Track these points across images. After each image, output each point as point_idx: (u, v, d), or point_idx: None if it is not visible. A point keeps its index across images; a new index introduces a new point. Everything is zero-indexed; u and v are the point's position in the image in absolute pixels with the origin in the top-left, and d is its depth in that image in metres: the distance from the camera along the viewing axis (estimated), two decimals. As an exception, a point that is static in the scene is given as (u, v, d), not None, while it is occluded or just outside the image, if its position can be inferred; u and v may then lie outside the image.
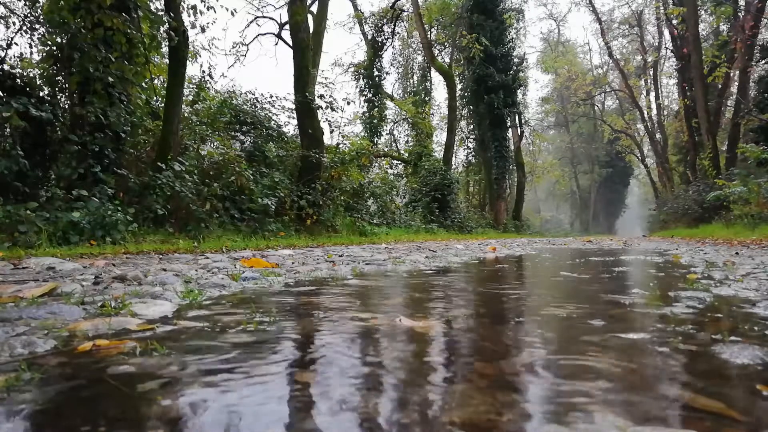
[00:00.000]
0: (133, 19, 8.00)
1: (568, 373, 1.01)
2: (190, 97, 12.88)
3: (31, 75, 7.93)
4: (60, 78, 7.69)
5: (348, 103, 15.23)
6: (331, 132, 19.12)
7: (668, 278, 3.07)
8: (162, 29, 9.00)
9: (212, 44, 21.89)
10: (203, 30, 10.18)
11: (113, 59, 7.56)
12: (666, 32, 31.82)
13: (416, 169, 23.51)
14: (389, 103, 29.33)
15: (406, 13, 27.87)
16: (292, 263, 4.14)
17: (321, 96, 13.45)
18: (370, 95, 27.61)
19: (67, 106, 7.76)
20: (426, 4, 26.94)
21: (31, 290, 2.04)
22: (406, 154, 27.02)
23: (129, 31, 7.80)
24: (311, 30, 14.78)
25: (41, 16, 8.22)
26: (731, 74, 22.76)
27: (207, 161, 10.09)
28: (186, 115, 11.49)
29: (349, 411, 0.80)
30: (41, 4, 8.19)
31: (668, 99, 39.04)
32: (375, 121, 27.22)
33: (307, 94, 12.27)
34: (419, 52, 29.76)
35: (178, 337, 1.35)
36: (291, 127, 14.69)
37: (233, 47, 22.50)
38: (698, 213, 19.75)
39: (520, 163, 30.60)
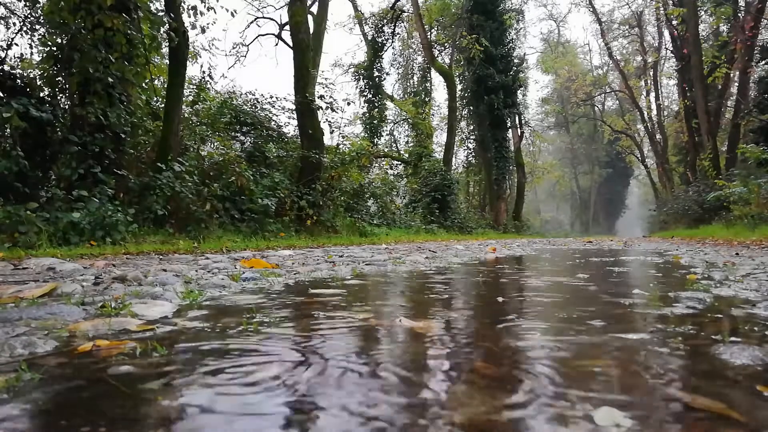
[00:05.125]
0: (134, 20, 8.01)
1: (568, 374, 1.01)
2: (191, 98, 12.89)
3: (32, 75, 7.94)
4: (60, 79, 7.69)
5: (348, 104, 15.25)
6: (331, 132, 19.11)
7: (668, 279, 3.07)
8: (162, 30, 9.01)
9: (212, 45, 21.98)
10: (203, 31, 10.19)
11: (113, 60, 7.56)
12: (666, 33, 31.87)
13: (416, 170, 23.53)
14: (389, 104, 29.37)
15: (406, 14, 27.90)
16: (292, 264, 4.14)
17: (321, 96, 13.45)
18: (370, 96, 27.63)
19: (67, 107, 7.76)
20: (426, 5, 26.97)
21: (32, 291, 2.04)
22: (406, 155, 27.04)
23: (129, 31, 7.80)
24: (311, 30, 14.81)
25: (41, 17, 8.23)
26: (731, 75, 22.78)
27: (207, 162, 10.09)
28: (186, 115, 11.49)
29: (349, 412, 0.80)
30: (41, 4, 8.19)
31: (668, 100, 39.13)
32: (375, 121, 27.24)
33: (307, 94, 12.28)
34: (419, 52, 29.79)
35: (178, 337, 1.35)
36: (291, 128, 14.71)
37: (233, 48, 22.59)
38: (698, 213, 19.74)
39: (520, 163, 30.62)
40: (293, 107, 13.22)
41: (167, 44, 9.37)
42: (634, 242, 13.93)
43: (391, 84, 33.23)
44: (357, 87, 27.85)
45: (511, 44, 28.27)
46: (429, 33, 26.44)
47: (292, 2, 13.14)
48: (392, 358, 1.15)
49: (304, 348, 1.25)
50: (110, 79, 7.52)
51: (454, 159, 29.00)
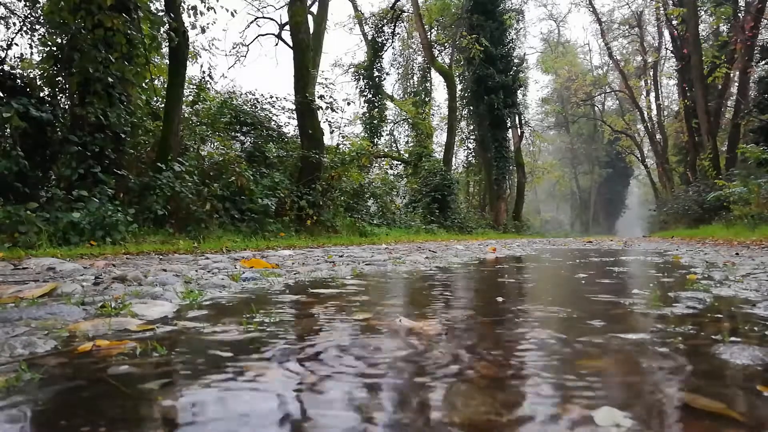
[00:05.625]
0: (134, 20, 8.01)
1: (568, 374, 1.01)
2: (191, 98, 12.89)
3: (32, 75, 7.94)
4: (60, 78, 7.69)
5: (348, 104, 15.26)
6: (331, 132, 19.14)
7: (668, 279, 3.07)
8: (162, 30, 9.01)
9: (212, 45, 21.98)
10: (203, 31, 10.20)
11: (113, 60, 7.56)
12: (666, 33, 31.86)
13: (416, 170, 23.53)
14: (389, 104, 29.37)
15: (406, 14, 27.91)
16: (292, 264, 4.14)
17: (321, 96, 13.46)
18: (370, 96, 27.63)
19: (67, 107, 7.76)
20: (426, 5, 26.97)
21: (32, 291, 2.04)
22: (406, 155, 27.04)
23: (129, 31, 7.80)
24: (311, 30, 14.81)
25: (41, 17, 8.23)
26: (731, 75, 22.77)
27: (207, 162, 10.09)
28: (186, 115, 11.49)
29: (350, 413, 0.80)
30: (41, 4, 8.20)
31: (668, 99, 39.10)
32: (375, 121, 27.24)
33: (307, 94, 12.28)
34: (419, 52, 29.79)
35: (178, 337, 1.35)
36: (291, 128, 14.71)
37: (233, 48, 22.58)
38: (698, 213, 19.74)
39: (520, 163, 30.61)
40: (293, 107, 13.22)
41: (167, 44, 9.37)
42: (634, 242, 13.93)
43: (391, 84, 33.26)
44: (357, 87, 27.88)
45: (511, 44, 28.27)
46: (429, 33, 26.43)
47: (292, 2, 13.14)
48: (391, 358, 1.15)
49: (304, 348, 1.25)
50: (110, 79, 7.52)
51: (454, 159, 29.02)
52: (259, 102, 14.17)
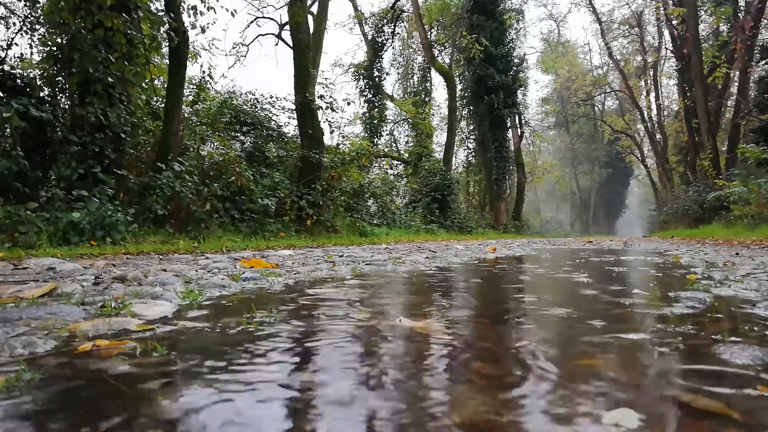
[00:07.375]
0: (134, 20, 8.00)
1: (567, 374, 1.01)
2: (191, 98, 12.88)
3: (32, 75, 7.93)
4: (60, 78, 7.69)
5: (348, 104, 15.24)
6: (331, 132, 19.15)
7: (668, 279, 3.07)
8: (162, 30, 9.01)
9: (212, 45, 21.98)
10: (203, 30, 10.21)
11: (113, 60, 7.55)
12: (666, 33, 31.87)
13: (416, 170, 23.53)
14: (389, 104, 29.38)
15: (406, 14, 27.92)
16: (292, 264, 4.14)
17: (321, 96, 13.45)
18: (370, 95, 27.64)
19: (67, 107, 7.76)
20: (426, 5, 26.98)
21: (32, 291, 2.04)
22: (406, 155, 27.05)
23: (129, 31, 7.80)
24: (311, 30, 14.81)
25: (41, 17, 8.23)
26: (731, 75, 22.76)
27: (207, 162, 10.08)
28: (186, 115, 11.49)
29: (349, 413, 0.80)
30: (41, 4, 8.19)
31: (668, 99, 39.08)
32: (375, 121, 27.25)
33: (307, 94, 12.27)
34: (419, 52, 29.80)
35: (178, 337, 1.35)
36: (291, 128, 14.70)
37: (233, 48, 22.58)
38: (698, 213, 19.74)
39: (520, 163, 30.61)
40: (293, 107, 13.21)
41: (167, 44, 9.37)
42: (634, 242, 13.93)
43: (391, 84, 33.25)
44: (357, 87, 27.90)
45: (511, 44, 28.29)
46: (429, 33, 26.44)
47: (292, 2, 13.13)
48: (391, 357, 1.15)
49: (304, 348, 1.25)
50: (110, 79, 7.52)
51: (454, 159, 29.02)
52: (259, 102, 14.16)
